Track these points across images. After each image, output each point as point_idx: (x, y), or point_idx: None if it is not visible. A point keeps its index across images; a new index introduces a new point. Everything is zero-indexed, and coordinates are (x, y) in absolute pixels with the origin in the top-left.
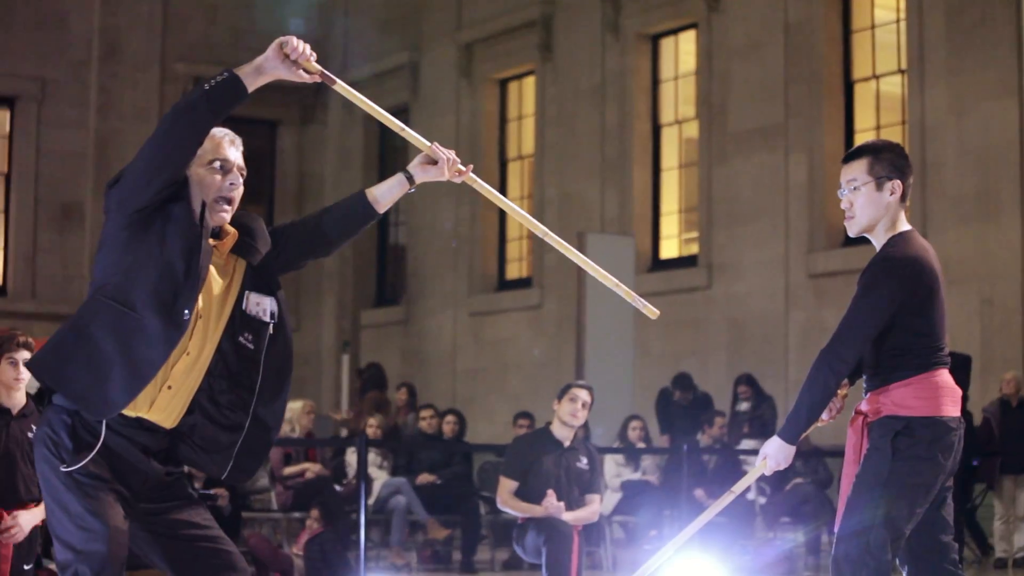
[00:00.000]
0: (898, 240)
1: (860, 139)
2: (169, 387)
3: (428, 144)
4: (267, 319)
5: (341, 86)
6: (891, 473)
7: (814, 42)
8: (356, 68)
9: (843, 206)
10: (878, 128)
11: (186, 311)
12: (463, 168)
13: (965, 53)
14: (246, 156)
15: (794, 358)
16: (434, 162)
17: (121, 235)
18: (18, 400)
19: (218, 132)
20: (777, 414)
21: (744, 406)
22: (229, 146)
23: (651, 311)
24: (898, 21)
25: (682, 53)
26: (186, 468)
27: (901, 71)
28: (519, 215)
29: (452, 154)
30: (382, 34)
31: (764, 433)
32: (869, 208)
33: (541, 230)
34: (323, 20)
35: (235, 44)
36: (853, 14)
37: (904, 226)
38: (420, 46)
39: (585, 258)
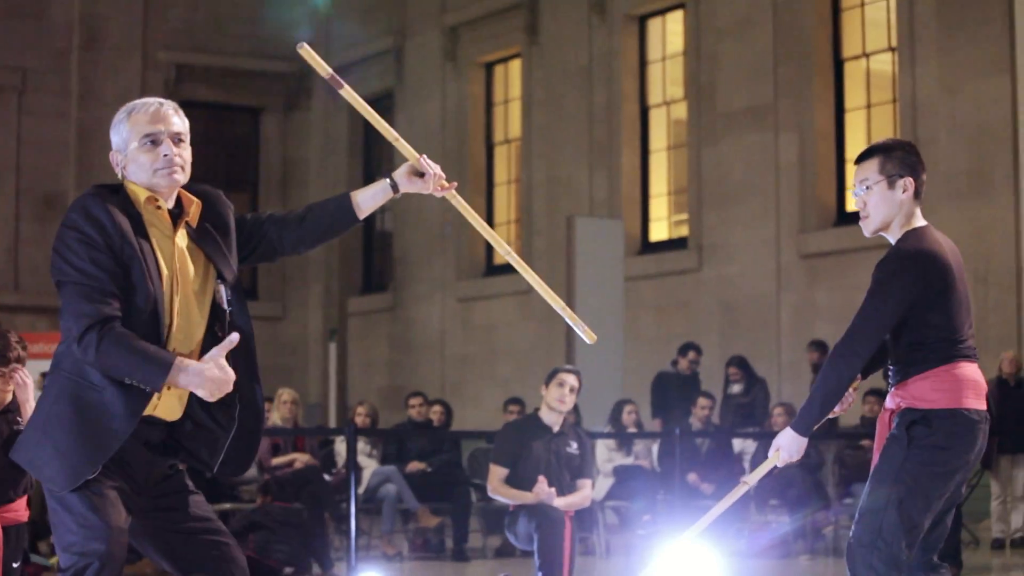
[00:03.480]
0: (911, 235)
1: (850, 118)
2: (168, 387)
3: (417, 156)
4: (226, 307)
5: (347, 91)
6: (905, 461)
7: (803, 21)
8: (341, 54)
9: (857, 206)
10: (868, 107)
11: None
12: (447, 184)
13: (956, 30)
14: (230, 142)
15: (786, 339)
16: (420, 174)
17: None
18: (5, 397)
19: (141, 106)
20: (770, 396)
21: (736, 388)
22: (154, 118)
23: (590, 336)
24: None
25: (670, 34)
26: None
27: (891, 49)
28: (492, 237)
29: (438, 168)
30: (366, 19)
31: (755, 416)
32: (883, 207)
33: (505, 249)
34: (306, 4)
35: (217, 31)
36: None
37: (919, 222)
38: (405, 31)
39: (539, 279)
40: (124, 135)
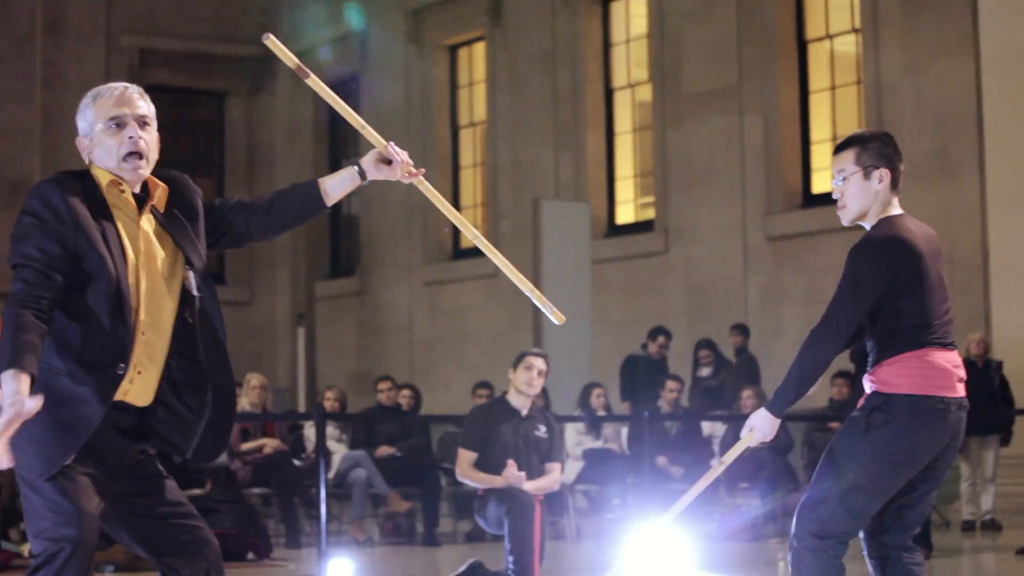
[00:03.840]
0: (883, 223)
1: (815, 100)
2: (139, 372)
3: (384, 143)
4: (195, 292)
5: (314, 80)
6: (859, 448)
7: (766, 2)
8: (305, 37)
9: (834, 196)
10: (833, 88)
11: (120, 364)
12: (414, 171)
13: (919, 12)
14: (195, 126)
15: (754, 321)
16: (388, 161)
17: None
18: None
19: (106, 91)
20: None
21: (705, 371)
22: (119, 101)
23: (558, 316)
24: None
25: (633, 16)
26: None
27: (855, 30)
28: (459, 221)
29: (406, 155)
30: (330, 2)
31: (723, 398)
32: (859, 197)
33: (473, 233)
34: None
35: (179, 15)
36: None
37: (895, 211)
38: (369, 14)
39: (506, 262)
40: (90, 119)
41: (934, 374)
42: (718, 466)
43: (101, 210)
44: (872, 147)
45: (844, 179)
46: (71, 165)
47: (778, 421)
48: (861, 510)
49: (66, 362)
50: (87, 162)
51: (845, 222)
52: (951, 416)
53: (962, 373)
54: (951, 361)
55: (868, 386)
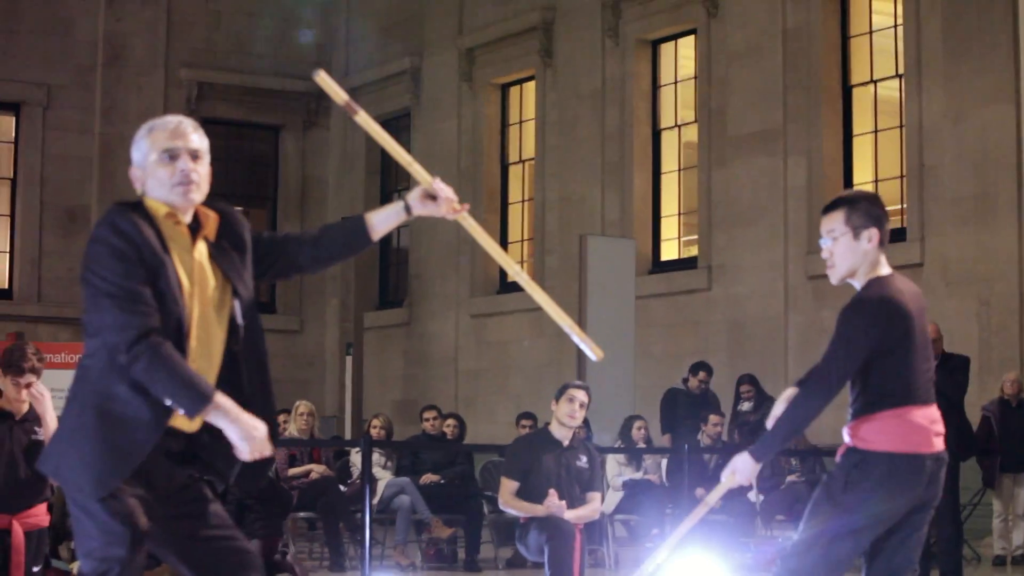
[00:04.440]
0: (873, 283)
1: (858, 143)
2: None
3: (430, 179)
4: (240, 320)
5: (363, 117)
6: (839, 500)
7: (812, 47)
8: (358, 74)
9: (824, 255)
10: (876, 132)
11: None
12: (458, 207)
13: (962, 58)
14: (249, 159)
15: (793, 359)
16: (434, 197)
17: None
18: (22, 407)
19: (161, 123)
20: None
21: (746, 406)
22: (173, 134)
23: (597, 352)
24: (896, 26)
25: (681, 58)
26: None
27: (899, 76)
28: (502, 258)
29: (451, 192)
30: (384, 39)
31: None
32: (848, 257)
33: (515, 270)
34: (325, 25)
35: (237, 50)
36: (851, 19)
37: (884, 270)
38: (422, 51)
39: (547, 298)
40: (144, 150)
41: (911, 432)
42: (702, 507)
43: (159, 240)
44: (861, 208)
45: (834, 239)
46: (128, 195)
47: (759, 466)
48: (838, 560)
49: (123, 387)
50: (139, 192)
51: (834, 281)
52: (926, 470)
53: (940, 428)
54: (929, 417)
55: (847, 437)
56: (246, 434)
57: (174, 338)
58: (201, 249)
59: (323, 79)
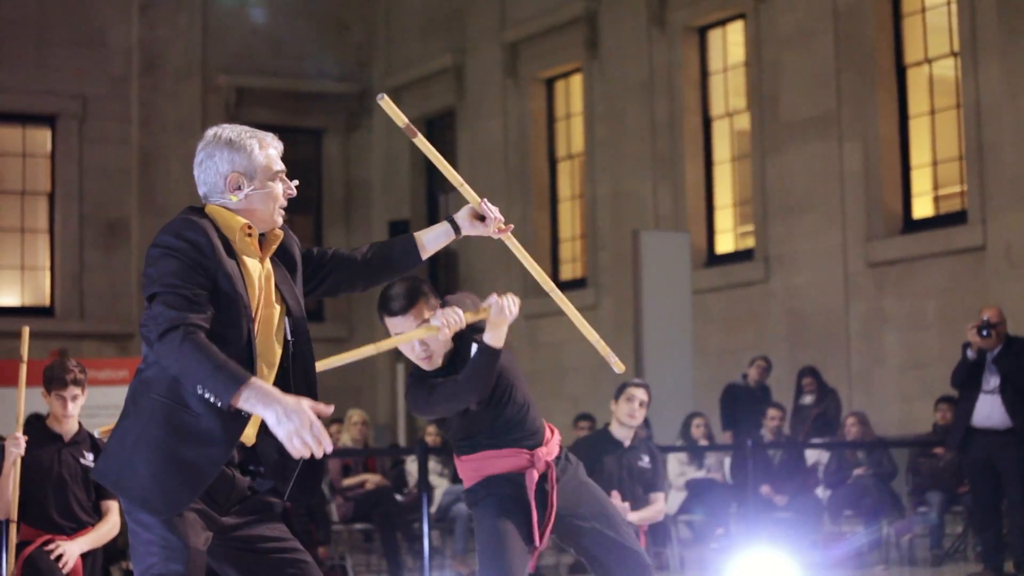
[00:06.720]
0: None
1: (914, 124)
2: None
3: (479, 200)
4: (288, 336)
5: (421, 140)
6: None
7: (864, 28)
8: (400, 73)
9: None
10: (932, 112)
11: None
12: (504, 227)
13: (1019, 33)
14: (292, 164)
15: (856, 349)
16: (482, 218)
17: None
18: (70, 427)
19: (270, 137)
20: (841, 407)
21: (808, 399)
22: (279, 154)
23: (619, 366)
24: (948, 3)
25: (731, 44)
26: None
27: (954, 54)
28: (538, 274)
29: (497, 212)
30: (425, 37)
31: (828, 427)
32: None
33: (549, 287)
34: (365, 25)
35: (275, 53)
36: None
37: None
38: (464, 48)
39: (575, 311)
40: (259, 161)
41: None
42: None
43: (228, 250)
44: None
45: None
46: (168, 206)
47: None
48: None
49: (194, 400)
50: (231, 198)
51: None
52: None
53: None
54: None
55: None
56: (287, 413)
57: (244, 346)
58: (267, 265)
59: (387, 103)
